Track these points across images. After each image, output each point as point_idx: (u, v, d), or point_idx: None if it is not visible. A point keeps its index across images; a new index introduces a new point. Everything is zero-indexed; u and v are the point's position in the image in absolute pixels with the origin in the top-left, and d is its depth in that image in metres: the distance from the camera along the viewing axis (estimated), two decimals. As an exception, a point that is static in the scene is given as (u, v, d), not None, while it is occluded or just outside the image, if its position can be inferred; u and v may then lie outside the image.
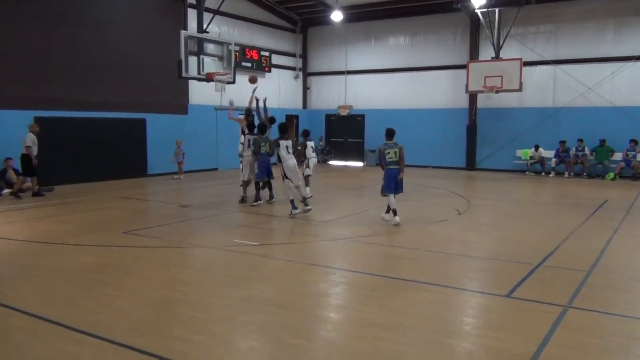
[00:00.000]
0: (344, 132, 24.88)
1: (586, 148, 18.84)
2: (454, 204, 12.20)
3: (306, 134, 13.41)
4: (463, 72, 20.23)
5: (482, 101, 20.87)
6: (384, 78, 23.37)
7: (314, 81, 25.64)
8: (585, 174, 18.78)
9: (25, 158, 12.62)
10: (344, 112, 24.38)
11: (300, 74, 25.37)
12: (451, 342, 4.58)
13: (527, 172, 19.89)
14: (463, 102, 21.45)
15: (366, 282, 6.45)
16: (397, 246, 8.55)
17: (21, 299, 5.55)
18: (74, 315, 5.04)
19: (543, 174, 19.48)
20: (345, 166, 23.63)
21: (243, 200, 12.23)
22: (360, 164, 23.90)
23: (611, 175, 18.09)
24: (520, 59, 18.82)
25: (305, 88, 25.68)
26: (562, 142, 19.07)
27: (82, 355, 4.22)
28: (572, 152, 19.05)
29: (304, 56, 25.40)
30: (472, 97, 21.02)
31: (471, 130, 21.38)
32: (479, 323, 5.16)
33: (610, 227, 9.70)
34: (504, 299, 5.72)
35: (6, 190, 13.14)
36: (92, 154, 15.91)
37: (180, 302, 5.60)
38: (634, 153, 17.96)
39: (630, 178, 17.92)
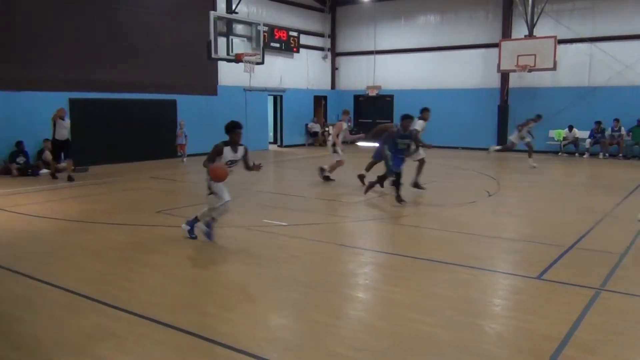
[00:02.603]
0: (373, 113, 24.69)
1: (622, 128, 18.32)
2: (483, 186, 12.04)
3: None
4: (495, 50, 19.78)
5: (514, 80, 20.42)
6: (414, 57, 23.04)
7: (342, 61, 25.45)
8: (621, 155, 18.29)
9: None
10: (373, 93, 24.16)
11: (329, 54, 25.20)
12: (480, 323, 4.57)
13: (559, 153, 19.46)
14: (495, 81, 21.02)
15: (394, 262, 6.45)
16: (426, 227, 8.51)
17: (59, 275, 5.73)
18: (108, 292, 5.20)
19: (577, 154, 19.05)
20: (374, 147, 23.47)
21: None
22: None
23: (648, 156, 17.58)
24: (554, 37, 18.29)
25: (334, 68, 25.52)
26: (598, 123, 18.58)
27: (117, 329, 4.36)
28: (608, 132, 18.54)
29: (333, 36, 25.19)
30: (504, 76, 20.57)
31: (503, 111, 20.97)
32: (509, 304, 5.12)
33: (646, 209, 9.45)
34: (535, 280, 5.65)
35: (44, 170, 13.52)
36: (125, 135, 16.19)
37: (210, 280, 5.71)
38: (673, 133, 17.41)
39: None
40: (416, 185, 11.07)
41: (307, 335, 4.36)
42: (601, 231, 7.91)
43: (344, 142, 12.99)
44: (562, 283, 5.56)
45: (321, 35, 24.71)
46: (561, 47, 18.69)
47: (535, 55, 18.36)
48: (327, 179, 12.44)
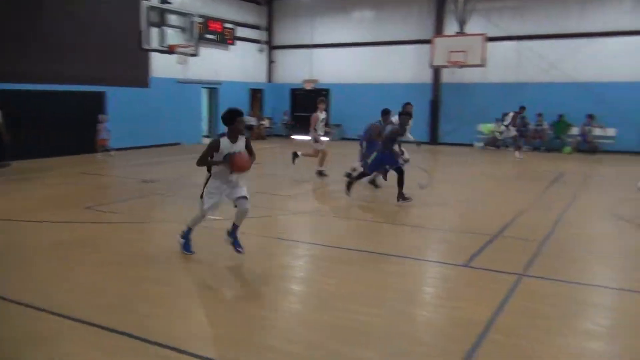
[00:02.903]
0: (310, 107, 24.71)
1: (544, 122, 19.34)
2: (415, 178, 12.37)
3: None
4: (428, 46, 20.30)
5: (446, 76, 21.06)
6: (350, 52, 23.28)
7: (279, 55, 25.35)
8: (543, 147, 19.31)
9: None
10: (309, 87, 24.21)
11: (266, 47, 25.04)
12: (412, 311, 4.74)
13: (480, 145, 20.30)
14: (427, 77, 21.59)
15: (329, 254, 6.54)
16: (359, 219, 8.68)
17: (-21, 276, 5.43)
18: (39, 294, 4.95)
19: (502, 147, 19.93)
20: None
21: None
22: (325, 138, 23.84)
23: (568, 149, 18.65)
24: (484, 35, 18.99)
25: (270, 61, 25.39)
26: (522, 117, 19.50)
27: (50, 334, 4.20)
28: (531, 126, 19.52)
29: (269, 29, 25.04)
30: (437, 72, 21.18)
31: (435, 105, 21.60)
32: (438, 292, 5.34)
33: (564, 199, 10.05)
34: (463, 268, 5.91)
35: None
36: (50, 128, 15.39)
37: (145, 277, 5.58)
38: (589, 127, 18.53)
39: (586, 152, 18.51)
40: (373, 182, 10.99)
41: (242, 329, 4.36)
42: (524, 220, 8.34)
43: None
44: (488, 270, 5.83)
45: (257, 27, 24.49)
46: (491, 45, 19.40)
47: (466, 51, 18.99)
48: (321, 174, 12.36)
